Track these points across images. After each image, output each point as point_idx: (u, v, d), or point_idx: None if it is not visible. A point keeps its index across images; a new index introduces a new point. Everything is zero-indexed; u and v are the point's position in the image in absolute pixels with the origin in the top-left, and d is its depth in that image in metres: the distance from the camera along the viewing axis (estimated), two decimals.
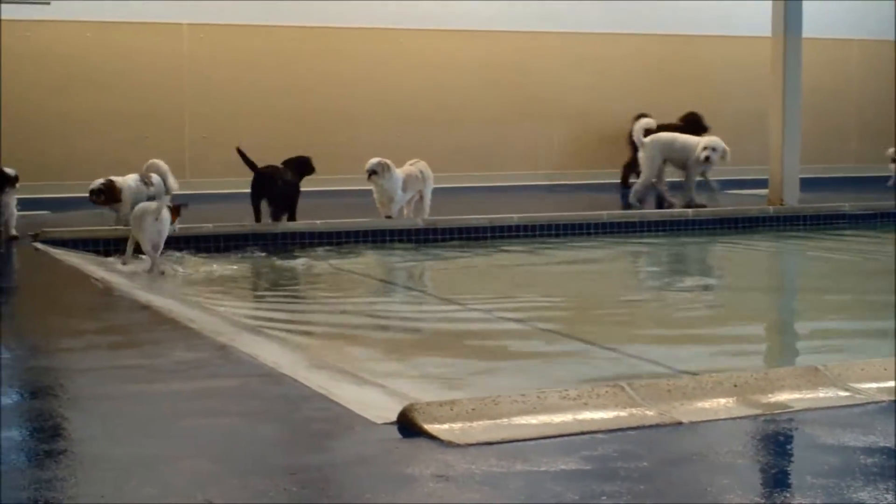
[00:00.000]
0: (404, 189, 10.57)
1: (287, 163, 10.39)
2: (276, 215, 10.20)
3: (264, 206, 10.14)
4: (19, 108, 13.62)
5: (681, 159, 12.40)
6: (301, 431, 4.00)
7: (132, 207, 10.00)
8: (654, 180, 12.45)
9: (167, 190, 10.36)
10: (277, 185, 10.12)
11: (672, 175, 12.77)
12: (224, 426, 4.03)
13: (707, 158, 12.09)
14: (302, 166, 10.46)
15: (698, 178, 12.58)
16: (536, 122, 16.06)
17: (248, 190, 10.17)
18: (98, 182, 10.03)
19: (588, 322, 7.18)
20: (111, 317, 6.42)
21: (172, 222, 8.87)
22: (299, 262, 9.47)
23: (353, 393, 4.41)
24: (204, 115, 14.42)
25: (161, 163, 10.57)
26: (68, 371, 5.01)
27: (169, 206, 8.93)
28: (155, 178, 10.39)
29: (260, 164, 10.14)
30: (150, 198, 10.13)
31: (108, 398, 4.48)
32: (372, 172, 10.38)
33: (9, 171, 9.79)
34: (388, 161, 10.45)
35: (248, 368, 4.92)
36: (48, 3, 13.73)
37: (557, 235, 10.90)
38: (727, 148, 12.20)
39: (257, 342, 5.55)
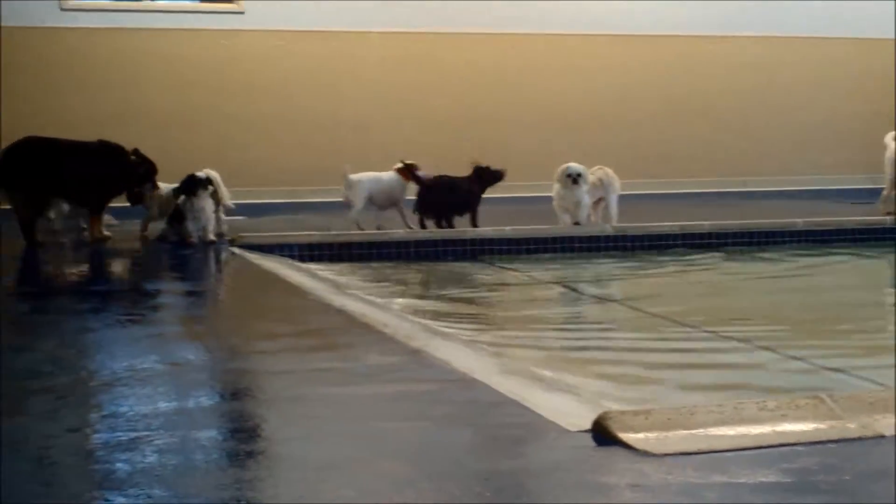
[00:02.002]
0: None
1: (477, 170, 10.52)
2: (448, 222, 10.36)
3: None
4: (215, 115, 14.02)
5: None
6: (494, 436, 4.00)
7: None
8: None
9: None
10: (439, 197, 10.31)
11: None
12: (418, 430, 4.06)
13: None
14: (485, 178, 10.58)
15: None
16: (715, 127, 15.86)
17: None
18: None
19: (789, 333, 7.02)
20: (306, 320, 6.53)
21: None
22: (489, 268, 9.50)
23: (546, 400, 4.39)
24: (389, 123, 14.60)
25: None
26: (266, 373, 5.10)
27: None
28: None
29: (443, 172, 10.36)
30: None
31: (305, 400, 4.55)
32: (576, 177, 10.35)
33: (200, 174, 9.91)
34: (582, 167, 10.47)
35: (440, 373, 4.94)
36: (242, 13, 14.11)
37: (750, 244, 10.69)
38: None
39: (449, 347, 5.57)
